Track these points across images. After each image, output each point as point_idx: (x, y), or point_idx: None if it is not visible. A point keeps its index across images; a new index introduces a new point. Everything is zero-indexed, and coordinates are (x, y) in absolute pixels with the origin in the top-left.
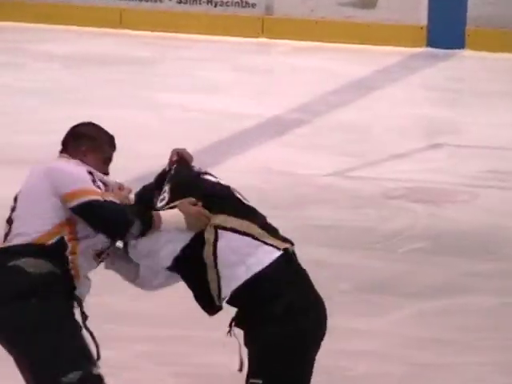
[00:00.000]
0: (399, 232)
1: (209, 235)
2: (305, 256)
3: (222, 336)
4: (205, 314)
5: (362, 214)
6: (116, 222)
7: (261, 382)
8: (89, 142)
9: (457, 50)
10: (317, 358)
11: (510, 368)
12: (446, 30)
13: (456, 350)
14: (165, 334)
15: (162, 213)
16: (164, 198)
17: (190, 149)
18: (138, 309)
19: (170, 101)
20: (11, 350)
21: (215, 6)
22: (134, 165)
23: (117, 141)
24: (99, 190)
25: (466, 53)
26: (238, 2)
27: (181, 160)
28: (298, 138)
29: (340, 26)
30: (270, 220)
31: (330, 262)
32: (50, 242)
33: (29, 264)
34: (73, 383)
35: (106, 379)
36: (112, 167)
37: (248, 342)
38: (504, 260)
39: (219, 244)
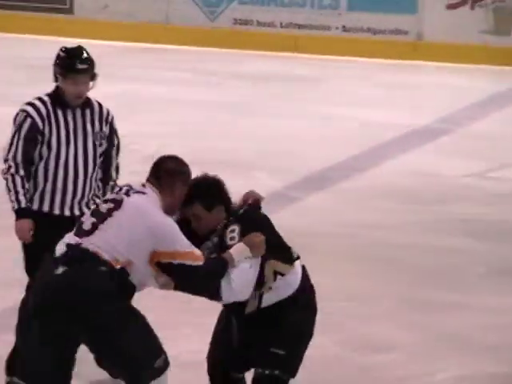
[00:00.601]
0: None
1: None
2: (447, 244)
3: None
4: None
5: (497, 209)
6: (206, 291)
7: (283, 352)
8: (182, 182)
9: None
10: (457, 329)
11: None
12: None
13: None
14: None
15: (232, 252)
16: (234, 237)
17: (350, 153)
18: None
19: (333, 112)
20: (99, 342)
21: (374, 34)
22: (301, 166)
23: (289, 146)
24: (195, 253)
25: None
26: (393, 30)
27: (254, 204)
28: (443, 144)
29: (479, 49)
30: (417, 215)
31: (469, 250)
32: (118, 267)
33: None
34: (161, 367)
35: None
36: (281, 168)
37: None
38: None
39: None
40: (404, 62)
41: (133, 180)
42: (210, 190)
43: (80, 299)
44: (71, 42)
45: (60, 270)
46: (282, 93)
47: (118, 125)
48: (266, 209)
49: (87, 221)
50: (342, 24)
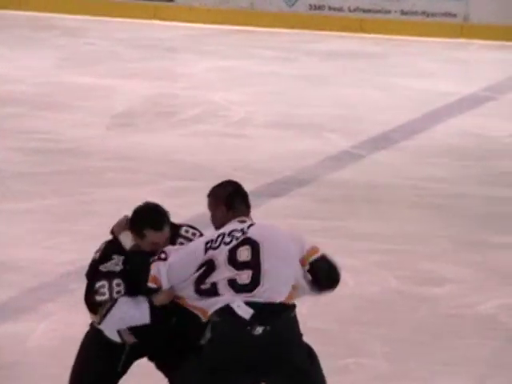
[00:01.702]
0: None
1: None
2: (495, 194)
3: None
4: None
5: None
6: (338, 274)
7: None
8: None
9: None
10: (508, 266)
11: None
12: None
13: None
14: None
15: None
16: None
17: (409, 117)
18: None
19: (395, 83)
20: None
21: (427, 17)
22: (367, 129)
23: (356, 111)
24: None
25: None
26: (443, 13)
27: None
28: (487, 109)
29: None
30: (468, 169)
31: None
32: (291, 302)
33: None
34: None
35: None
36: (350, 130)
37: None
38: None
39: None
40: (453, 40)
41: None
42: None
43: (294, 350)
44: (171, 25)
45: (259, 329)
46: (351, 67)
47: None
48: (335, 165)
49: (240, 275)
50: (400, 8)
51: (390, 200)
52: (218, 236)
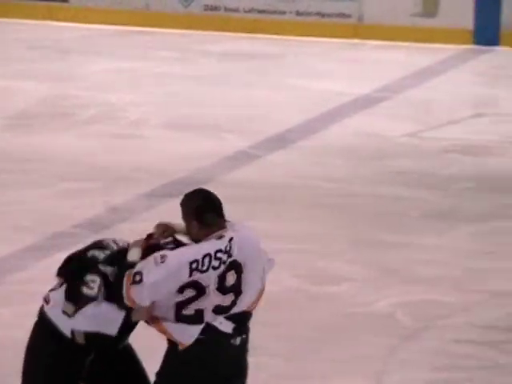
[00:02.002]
0: (454, 175)
1: None
2: (384, 193)
3: None
4: None
5: (427, 163)
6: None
7: None
8: None
9: (494, 47)
10: (399, 264)
11: None
12: (486, 32)
13: (494, 257)
14: None
15: None
16: None
17: (305, 117)
18: None
19: (290, 83)
20: None
21: (322, 17)
22: (264, 129)
23: (254, 112)
24: None
25: (501, 48)
26: (338, 14)
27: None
28: (381, 109)
29: (410, 29)
30: (361, 168)
31: (404, 197)
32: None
33: None
34: None
35: None
36: (247, 131)
37: None
38: None
39: None
40: (347, 40)
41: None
42: None
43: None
44: (66, 26)
45: (238, 340)
46: (247, 67)
47: (112, 96)
48: (232, 165)
49: (224, 299)
50: (295, 9)
51: (287, 200)
52: (204, 257)
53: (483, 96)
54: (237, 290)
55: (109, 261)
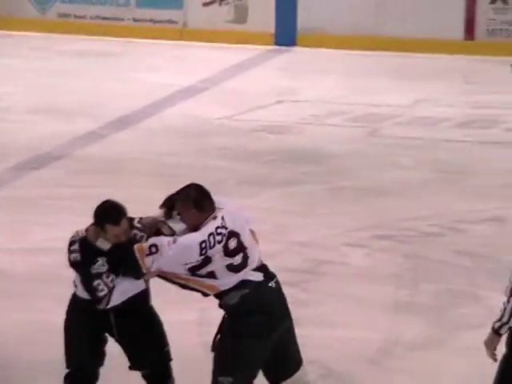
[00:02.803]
0: (262, 150)
1: None
2: (208, 164)
3: None
4: None
5: (240, 140)
6: None
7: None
8: None
9: (292, 47)
10: None
11: None
12: (285, 35)
13: (295, 214)
14: None
15: None
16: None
17: (143, 104)
18: None
19: (132, 76)
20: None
21: (154, 23)
22: (110, 113)
23: (102, 99)
24: None
25: (297, 48)
26: (167, 20)
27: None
28: (203, 97)
29: (226, 33)
30: (190, 144)
31: (223, 168)
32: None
33: None
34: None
35: None
36: (96, 115)
37: None
38: (319, 165)
39: None
40: (175, 42)
41: None
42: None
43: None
44: None
45: (273, 283)
46: (95, 64)
47: None
48: (84, 143)
49: (235, 259)
50: (132, 16)
51: (129, 170)
52: (209, 236)
53: (284, 87)
54: (241, 248)
55: (87, 261)
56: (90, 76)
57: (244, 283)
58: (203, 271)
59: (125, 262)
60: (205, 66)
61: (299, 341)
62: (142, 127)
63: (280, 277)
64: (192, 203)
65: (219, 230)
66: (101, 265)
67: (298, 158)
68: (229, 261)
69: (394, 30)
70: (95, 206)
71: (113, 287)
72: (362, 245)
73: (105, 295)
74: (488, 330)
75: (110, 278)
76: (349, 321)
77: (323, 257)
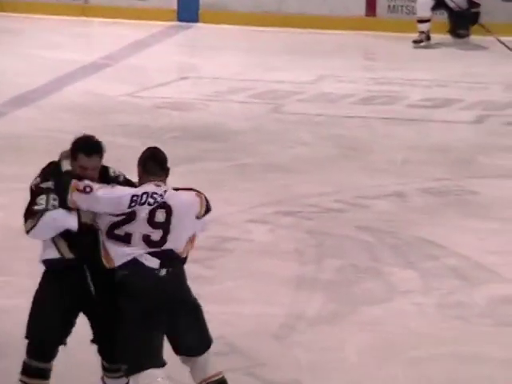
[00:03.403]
0: (164, 127)
1: None
2: (110, 142)
3: None
4: None
5: (143, 117)
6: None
7: None
8: None
9: (194, 23)
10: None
11: None
12: (187, 11)
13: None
14: None
15: None
16: None
17: (44, 81)
18: None
19: (34, 53)
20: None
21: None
22: (11, 90)
23: (2, 76)
24: None
25: (200, 25)
26: None
27: None
28: (105, 74)
29: (128, 10)
30: (92, 122)
31: (126, 145)
32: (184, 255)
33: None
34: None
35: None
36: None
37: None
38: (223, 141)
39: None
40: (77, 18)
41: None
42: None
43: (187, 294)
44: None
45: (163, 271)
46: None
47: None
48: None
49: (154, 233)
50: None
51: (30, 148)
52: (143, 194)
53: (186, 63)
54: (165, 228)
55: (43, 179)
56: None
57: (135, 264)
58: (122, 231)
59: (57, 187)
60: (107, 42)
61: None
62: (43, 105)
63: None
64: (141, 161)
65: (155, 195)
66: (52, 184)
67: (201, 135)
68: (148, 230)
69: (296, 7)
70: None
71: (48, 209)
72: (265, 221)
73: (39, 210)
74: (390, 305)
75: (54, 201)
76: (253, 297)
77: (227, 233)
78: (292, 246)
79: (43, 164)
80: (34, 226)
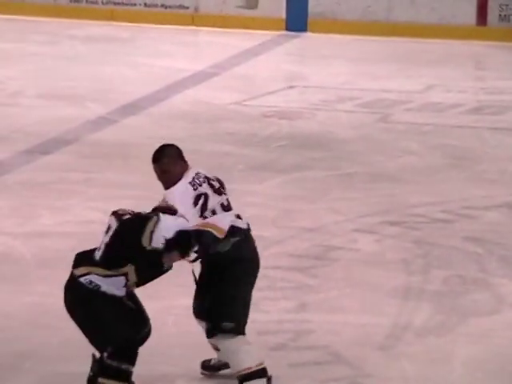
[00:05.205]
0: (272, 135)
1: None
2: (217, 150)
3: None
4: None
5: (250, 126)
6: None
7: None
8: None
9: (303, 33)
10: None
11: None
12: (296, 21)
13: (304, 200)
14: None
15: None
16: None
17: (153, 89)
18: None
19: (143, 62)
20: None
21: (165, 8)
22: (121, 98)
23: (113, 85)
24: None
25: (308, 34)
26: (178, 6)
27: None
28: (213, 83)
29: (236, 18)
30: (201, 129)
31: (232, 153)
32: None
33: None
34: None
35: None
36: (106, 100)
37: None
38: (330, 150)
39: None
40: (186, 27)
41: None
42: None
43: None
44: None
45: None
46: (105, 48)
47: None
48: (94, 128)
49: (223, 198)
50: (144, 2)
51: (138, 156)
52: (193, 178)
53: (294, 72)
54: (225, 192)
55: None
56: (101, 61)
57: (234, 229)
58: (208, 212)
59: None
60: (215, 51)
61: (308, 326)
62: (152, 113)
63: (289, 262)
64: (178, 156)
65: (199, 174)
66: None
67: (308, 144)
68: (219, 199)
69: (406, 15)
70: (104, 190)
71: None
72: (371, 231)
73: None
74: (498, 317)
75: None
76: (358, 307)
77: (332, 243)
78: (398, 256)
79: (150, 172)
80: (154, 229)
